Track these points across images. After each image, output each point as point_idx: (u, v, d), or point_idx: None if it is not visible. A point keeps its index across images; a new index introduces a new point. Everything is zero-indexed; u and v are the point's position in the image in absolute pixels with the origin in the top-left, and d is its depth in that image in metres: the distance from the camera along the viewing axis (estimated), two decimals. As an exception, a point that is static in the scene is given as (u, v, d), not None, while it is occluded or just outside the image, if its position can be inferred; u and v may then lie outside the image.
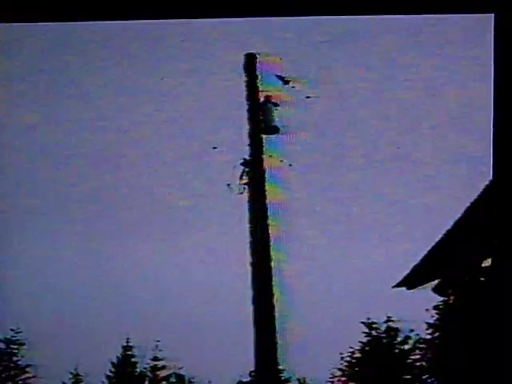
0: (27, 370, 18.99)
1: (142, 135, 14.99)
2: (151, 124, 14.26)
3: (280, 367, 11.52)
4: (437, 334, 15.73)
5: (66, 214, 15.84)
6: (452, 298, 10.77)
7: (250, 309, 9.54)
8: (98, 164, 15.76)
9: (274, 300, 9.43)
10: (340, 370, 16.79)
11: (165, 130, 13.67)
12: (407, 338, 16.83)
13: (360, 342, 16.88)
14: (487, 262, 8.49)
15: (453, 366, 11.80)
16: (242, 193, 9.32)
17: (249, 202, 9.39)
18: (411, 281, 9.39)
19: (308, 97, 8.55)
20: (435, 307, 16.03)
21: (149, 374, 19.16)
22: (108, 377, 19.86)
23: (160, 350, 19.73)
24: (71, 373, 19.77)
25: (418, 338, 16.63)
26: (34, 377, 19.28)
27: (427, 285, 9.77)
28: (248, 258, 9.51)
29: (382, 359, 16.10)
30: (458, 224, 8.25)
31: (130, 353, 19.41)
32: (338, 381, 14.81)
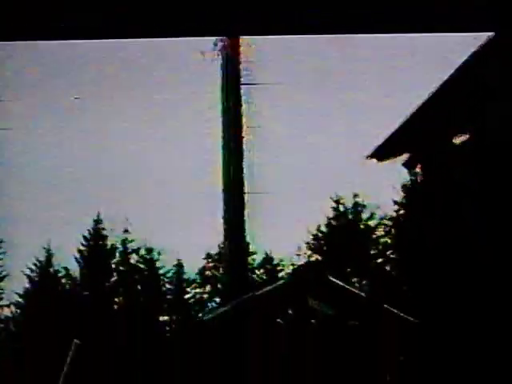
0: (0, 245, 19.16)
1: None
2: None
3: (247, 240, 11.72)
4: (402, 211, 16.10)
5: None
6: (420, 176, 10.98)
7: (219, 185, 9.58)
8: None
9: (244, 175, 9.47)
10: (306, 243, 17.20)
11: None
12: (373, 214, 17.22)
13: (327, 217, 17.23)
14: (458, 139, 8.61)
15: (416, 244, 12.13)
16: (215, 59, 9.17)
17: (221, 66, 9.24)
18: (381, 153, 9.43)
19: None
20: (403, 186, 16.37)
21: (119, 246, 19.45)
22: (80, 250, 20.10)
23: (130, 223, 20.02)
24: (44, 248, 19.98)
25: (383, 214, 17.02)
26: (5, 253, 19.48)
27: (397, 158, 9.84)
28: (220, 130, 9.47)
29: (347, 234, 16.47)
30: (432, 97, 8.26)
31: (101, 226, 19.63)
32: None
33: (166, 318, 18.66)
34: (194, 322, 6.54)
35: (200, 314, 6.49)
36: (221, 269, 14.12)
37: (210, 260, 18.28)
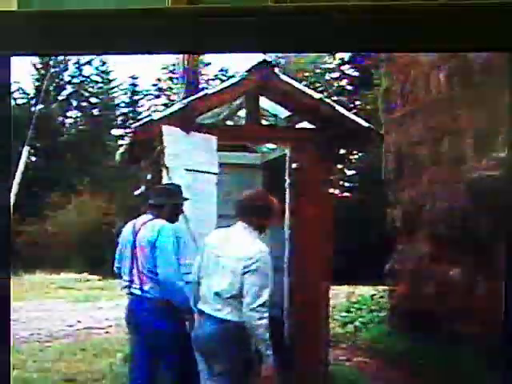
0: None
1: None
2: None
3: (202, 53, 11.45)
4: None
5: None
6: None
7: None
8: None
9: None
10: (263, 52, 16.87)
11: None
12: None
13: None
14: None
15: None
16: None
17: None
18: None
19: None
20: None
21: (73, 58, 19.00)
22: (33, 64, 19.58)
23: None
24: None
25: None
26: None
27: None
28: None
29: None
30: None
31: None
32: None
33: (118, 131, 18.55)
34: (143, 123, 6.34)
35: (151, 116, 6.24)
36: (175, 80, 13.86)
37: (164, 71, 17.98)
